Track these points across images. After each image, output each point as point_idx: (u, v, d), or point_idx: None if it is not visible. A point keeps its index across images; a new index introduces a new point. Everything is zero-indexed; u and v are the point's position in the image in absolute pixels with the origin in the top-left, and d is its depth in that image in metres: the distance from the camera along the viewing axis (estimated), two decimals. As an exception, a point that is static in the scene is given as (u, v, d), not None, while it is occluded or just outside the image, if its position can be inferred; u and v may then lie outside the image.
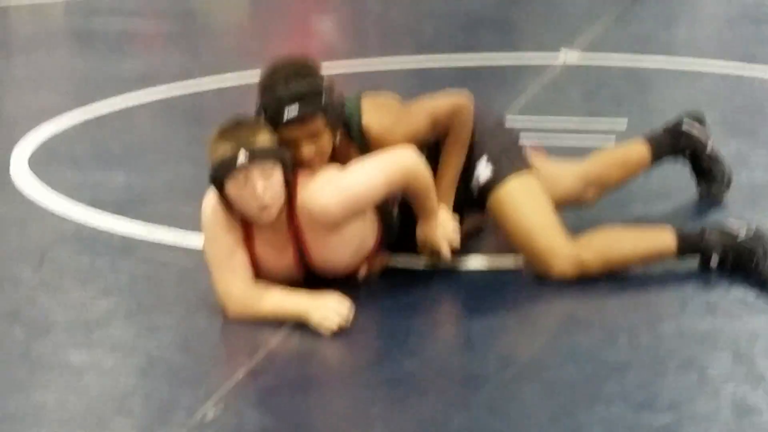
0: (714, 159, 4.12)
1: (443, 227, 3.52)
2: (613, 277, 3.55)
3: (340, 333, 3.25)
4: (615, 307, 3.46)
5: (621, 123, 4.99)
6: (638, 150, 4.04)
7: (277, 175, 3.26)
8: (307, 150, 3.35)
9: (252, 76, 5.92)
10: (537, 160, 3.78)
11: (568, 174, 3.89)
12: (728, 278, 3.51)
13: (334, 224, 3.34)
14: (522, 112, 5.23)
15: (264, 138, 3.27)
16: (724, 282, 3.50)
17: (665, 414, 2.82)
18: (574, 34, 6.56)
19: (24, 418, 2.88)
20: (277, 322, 3.31)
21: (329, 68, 6.12)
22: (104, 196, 4.40)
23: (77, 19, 8.10)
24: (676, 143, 4.07)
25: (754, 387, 2.92)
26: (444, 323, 3.37)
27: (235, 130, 3.28)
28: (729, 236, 3.54)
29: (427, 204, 3.50)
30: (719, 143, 4.54)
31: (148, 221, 4.11)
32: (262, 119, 3.35)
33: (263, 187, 3.23)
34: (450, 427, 2.83)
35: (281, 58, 3.45)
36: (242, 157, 3.21)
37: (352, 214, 3.36)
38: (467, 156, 3.61)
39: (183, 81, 6.02)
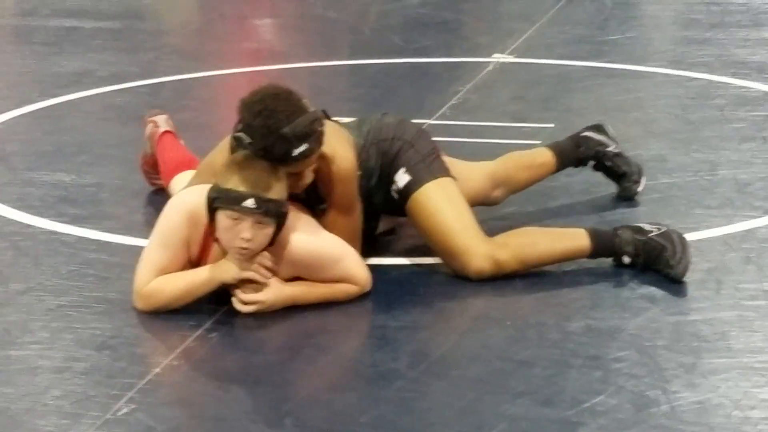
0: (621, 158, 4.20)
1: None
2: (528, 276, 3.62)
3: (259, 318, 3.32)
4: (527, 304, 3.54)
5: (548, 124, 5.05)
6: (543, 155, 4.15)
7: (269, 229, 3.30)
8: (309, 176, 3.43)
9: (187, 77, 6.04)
10: (447, 159, 3.83)
11: (476, 173, 3.96)
12: (638, 276, 3.60)
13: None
14: (453, 114, 5.30)
15: (277, 189, 3.29)
16: (634, 280, 3.59)
17: (568, 409, 2.89)
18: (507, 37, 6.62)
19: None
20: (194, 323, 3.35)
21: (271, 69, 6.23)
22: (32, 194, 4.43)
23: (18, 17, 8.07)
24: (578, 151, 4.18)
25: (654, 381, 3.00)
26: (359, 320, 3.41)
27: (256, 170, 3.28)
28: (640, 236, 3.62)
29: (313, 292, 3.45)
30: (641, 145, 4.66)
31: (75, 220, 4.13)
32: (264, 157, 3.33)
33: (251, 235, 3.27)
34: (359, 422, 2.89)
35: (268, 93, 3.39)
36: (250, 202, 3.24)
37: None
38: (388, 166, 3.70)
39: (120, 81, 6.02)
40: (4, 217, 4.19)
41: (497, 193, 4.00)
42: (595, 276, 3.64)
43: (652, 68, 5.97)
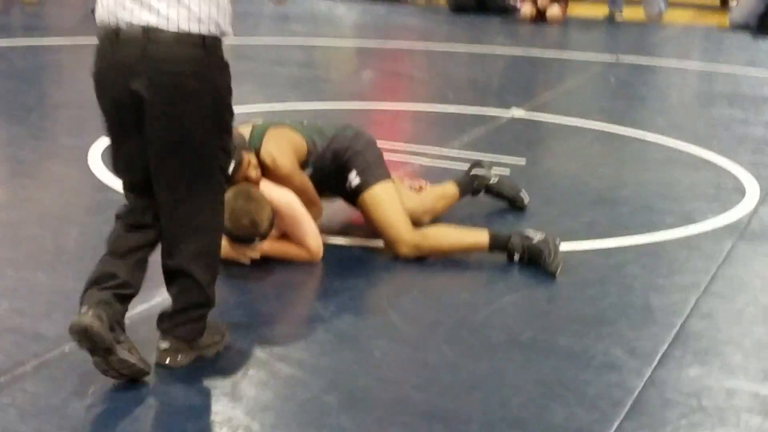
0: (500, 186, 4.14)
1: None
2: (443, 260, 3.57)
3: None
4: (435, 280, 3.48)
5: (521, 160, 4.90)
6: (451, 188, 4.05)
7: None
8: (254, 172, 3.42)
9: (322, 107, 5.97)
10: (398, 183, 3.77)
11: (414, 200, 3.84)
12: (521, 269, 3.51)
13: None
14: (469, 145, 5.19)
15: (266, 213, 3.30)
16: (518, 271, 3.51)
17: (433, 351, 2.84)
18: (526, 97, 6.47)
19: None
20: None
21: (370, 106, 6.18)
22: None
23: (237, 59, 8.12)
24: (473, 186, 4.12)
25: (510, 335, 2.92)
26: (315, 281, 3.40)
27: (250, 209, 3.28)
28: (527, 242, 3.52)
29: (278, 248, 3.45)
30: (574, 173, 4.50)
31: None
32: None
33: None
34: (290, 337, 2.97)
35: None
36: (257, 240, 3.32)
37: None
38: (342, 166, 3.62)
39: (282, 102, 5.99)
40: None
41: (426, 218, 3.85)
42: (492, 267, 3.56)
43: (603, 127, 5.75)
